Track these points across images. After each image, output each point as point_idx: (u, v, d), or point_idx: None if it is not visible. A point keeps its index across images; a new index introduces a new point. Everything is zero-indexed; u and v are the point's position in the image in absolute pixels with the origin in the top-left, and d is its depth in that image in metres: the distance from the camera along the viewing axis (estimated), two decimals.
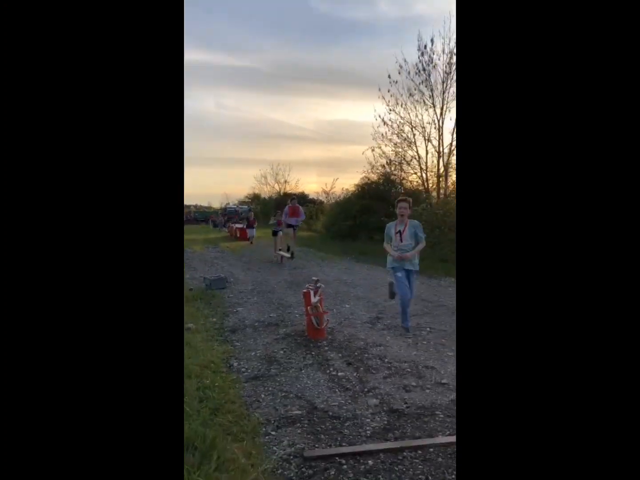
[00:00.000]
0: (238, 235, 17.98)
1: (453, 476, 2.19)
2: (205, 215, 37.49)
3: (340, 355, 3.96)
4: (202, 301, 6.20)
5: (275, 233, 11.30)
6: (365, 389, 3.22)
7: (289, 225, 10.87)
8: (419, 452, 2.40)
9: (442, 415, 2.81)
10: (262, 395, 3.14)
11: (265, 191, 37.61)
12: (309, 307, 4.44)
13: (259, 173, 55.33)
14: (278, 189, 36.01)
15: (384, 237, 4.82)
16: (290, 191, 31.82)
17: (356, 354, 3.99)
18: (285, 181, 36.42)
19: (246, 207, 28.58)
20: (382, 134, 15.03)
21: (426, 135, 14.46)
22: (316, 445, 2.48)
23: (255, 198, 37.49)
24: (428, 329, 4.83)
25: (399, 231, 4.64)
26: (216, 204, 47.32)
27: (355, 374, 3.51)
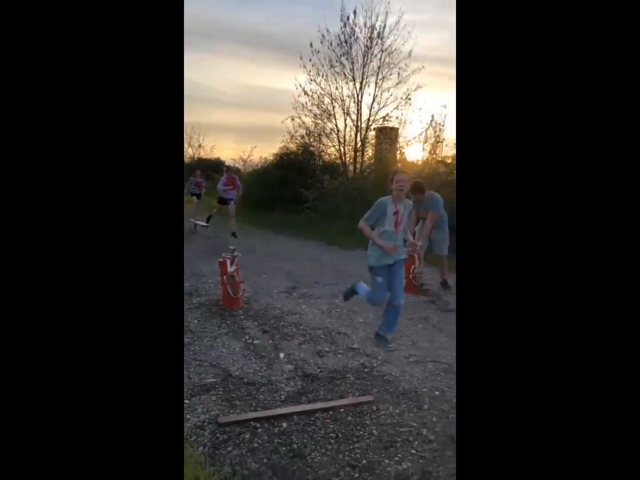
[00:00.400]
0: None
1: (361, 432, 2.35)
2: None
3: (256, 323, 3.99)
4: None
5: (194, 195, 10.86)
6: (281, 356, 3.30)
7: (225, 201, 9.50)
8: (331, 412, 2.53)
9: (352, 378, 2.98)
10: None
11: None
12: (225, 277, 4.38)
13: None
14: (192, 154, 34.33)
15: (361, 215, 3.44)
16: (205, 157, 30.53)
17: (272, 322, 4.05)
18: (200, 145, 34.79)
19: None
20: (303, 104, 14.89)
21: (345, 108, 14.61)
22: (231, 412, 2.50)
23: None
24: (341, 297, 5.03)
25: (396, 212, 3.31)
26: None
27: (270, 342, 3.57)
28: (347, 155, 15.09)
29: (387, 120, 14.01)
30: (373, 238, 3.33)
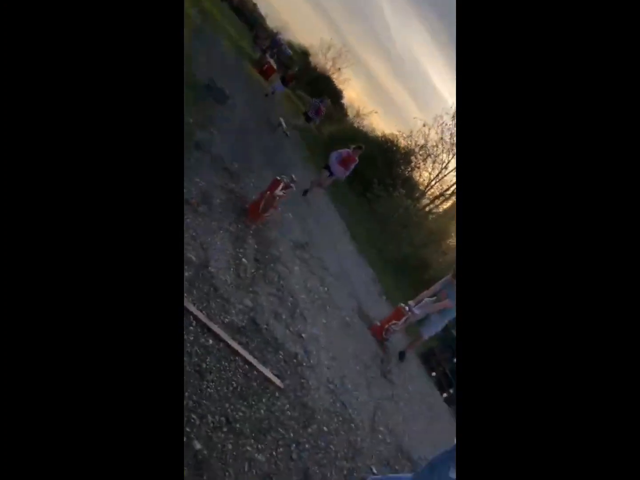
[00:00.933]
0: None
1: (250, 397, 2.50)
2: None
3: (255, 247, 4.13)
4: None
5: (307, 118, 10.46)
6: None
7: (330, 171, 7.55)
8: (246, 366, 2.68)
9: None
10: None
11: None
12: (269, 192, 4.47)
13: None
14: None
15: None
16: None
17: (267, 257, 4.18)
18: None
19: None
20: None
21: None
22: (186, 295, 2.65)
23: None
24: None
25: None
26: None
27: (252, 270, 3.71)
28: None
29: None
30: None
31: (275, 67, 16.23)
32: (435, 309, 5.22)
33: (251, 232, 4.32)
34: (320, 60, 36.13)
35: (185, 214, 3.33)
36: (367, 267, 8.57)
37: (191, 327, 2.51)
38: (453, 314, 5.31)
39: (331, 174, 7.63)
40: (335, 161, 7.39)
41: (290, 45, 33.98)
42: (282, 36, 33.15)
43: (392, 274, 9.74)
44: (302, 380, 3.13)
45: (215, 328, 2.65)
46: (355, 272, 7.34)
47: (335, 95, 31.67)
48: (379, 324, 5.57)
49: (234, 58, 13.60)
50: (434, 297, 5.42)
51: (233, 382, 2.48)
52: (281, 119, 10.52)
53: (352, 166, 7.49)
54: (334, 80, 34.97)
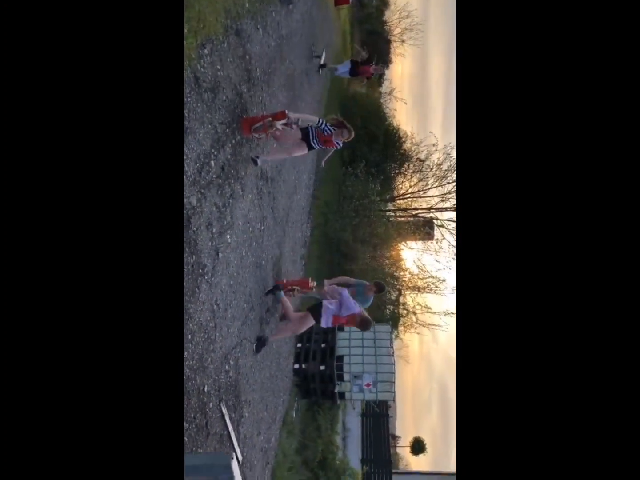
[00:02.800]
0: None
1: None
2: None
3: (247, 147, 4.20)
4: None
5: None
6: None
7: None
8: None
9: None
10: None
11: None
12: (272, 119, 4.48)
13: None
14: None
15: None
16: None
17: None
18: None
19: None
20: None
21: None
22: None
23: None
24: None
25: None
26: None
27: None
28: None
29: None
30: None
31: (349, 1, 15.47)
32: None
33: (233, 141, 4.37)
34: (394, 20, 34.67)
35: (189, 90, 3.33)
36: (307, 229, 8.86)
37: None
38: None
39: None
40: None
41: None
42: None
43: (323, 247, 10.13)
44: (195, 290, 3.37)
45: None
46: (295, 227, 7.59)
47: (383, 61, 30.76)
48: (284, 281, 5.91)
49: None
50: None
51: None
52: (324, 54, 10.21)
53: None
54: (392, 45, 33.83)
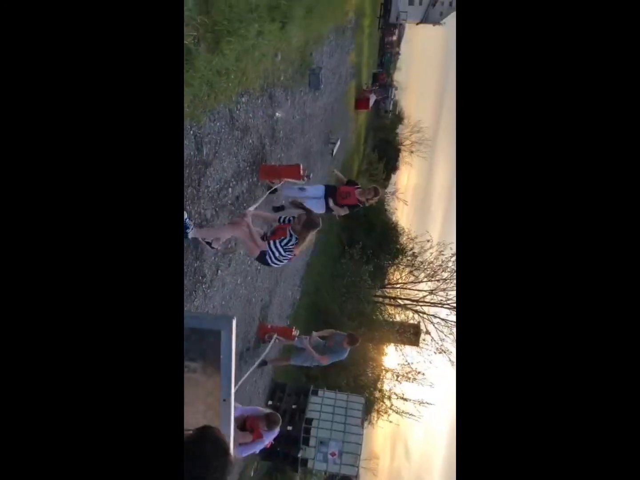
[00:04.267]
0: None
1: None
2: None
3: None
4: None
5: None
6: None
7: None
8: None
9: None
10: None
11: None
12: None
13: None
14: None
15: None
16: None
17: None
18: None
19: None
20: None
21: None
22: None
23: None
24: None
25: None
26: None
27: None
28: None
29: None
30: None
31: (369, 106, 17.30)
32: (310, 351, 5.72)
33: (250, 180, 4.89)
34: (405, 132, 37.86)
35: (224, 124, 3.90)
36: (297, 293, 9.13)
37: None
38: (320, 364, 5.86)
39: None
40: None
41: (395, 104, 35.70)
42: (396, 92, 34.90)
43: (309, 314, 10.29)
44: (192, 293, 3.63)
45: None
46: (286, 285, 7.89)
47: (392, 166, 33.09)
48: (269, 326, 6.09)
49: (349, 69, 14.55)
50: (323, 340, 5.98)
51: None
52: (338, 143, 11.28)
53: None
54: (400, 154, 36.60)
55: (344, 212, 5.05)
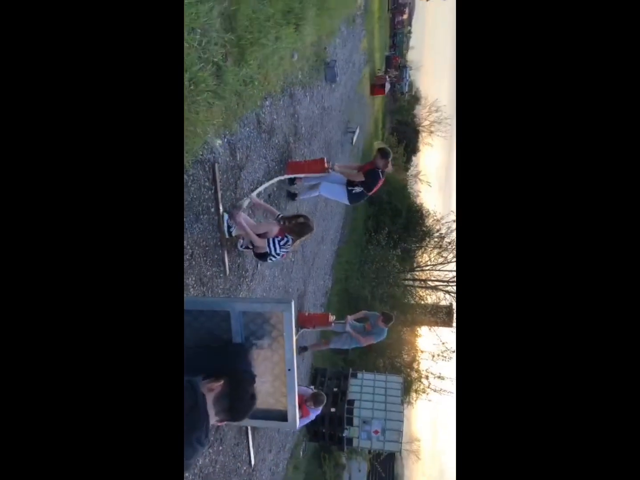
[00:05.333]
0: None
1: None
2: None
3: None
4: None
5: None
6: None
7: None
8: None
9: None
10: None
11: None
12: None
13: None
14: None
15: None
16: None
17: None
18: None
19: None
20: None
21: None
22: None
23: None
24: None
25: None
26: None
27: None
28: None
29: None
30: None
31: (385, 92, 17.31)
32: (353, 334, 6.06)
33: (279, 176, 5.18)
34: (423, 113, 37.43)
35: (252, 128, 4.18)
36: (329, 281, 9.42)
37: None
38: (359, 345, 6.17)
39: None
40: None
41: (410, 84, 35.28)
42: (411, 72, 34.48)
43: (342, 300, 10.59)
44: (238, 287, 3.96)
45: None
46: (318, 274, 8.18)
47: (412, 148, 32.84)
48: (306, 314, 6.41)
49: (362, 56, 14.60)
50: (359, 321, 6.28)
51: None
52: (357, 131, 11.43)
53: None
54: (420, 135, 36.24)
55: (359, 177, 5.04)
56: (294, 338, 1.68)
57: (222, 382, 1.49)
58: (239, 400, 1.51)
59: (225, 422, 1.57)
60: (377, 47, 20.16)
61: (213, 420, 1.46)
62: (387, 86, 18.85)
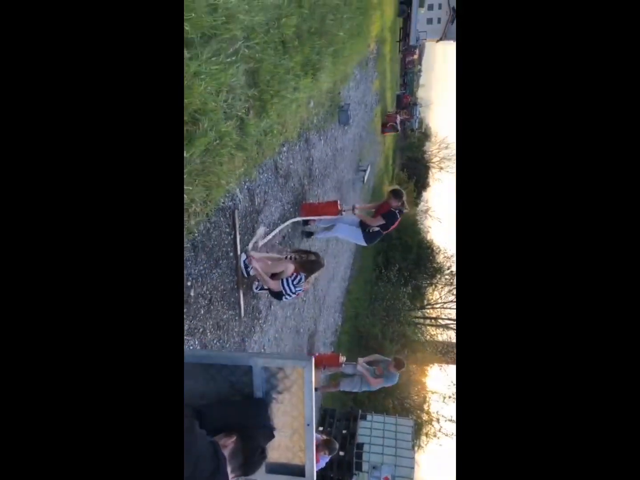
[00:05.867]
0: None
1: None
2: None
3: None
4: None
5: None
6: None
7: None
8: None
9: None
10: None
11: None
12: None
13: None
14: None
15: None
16: None
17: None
18: None
19: None
20: None
21: None
22: None
23: None
24: None
25: None
26: None
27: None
28: None
29: None
30: None
31: (396, 130, 17.73)
32: (364, 375, 6.00)
33: (296, 218, 5.30)
34: (433, 149, 38.03)
35: (270, 174, 4.33)
36: (339, 319, 9.41)
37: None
38: (369, 389, 6.12)
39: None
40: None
41: (420, 121, 36.04)
42: (421, 109, 35.24)
43: (352, 339, 10.52)
44: (252, 329, 4.01)
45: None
46: (329, 312, 8.20)
47: (422, 184, 33.18)
48: (317, 355, 6.39)
49: (374, 97, 15.06)
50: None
51: None
52: (368, 169, 11.67)
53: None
54: (430, 171, 36.69)
55: (378, 221, 5.11)
56: (313, 393, 1.73)
57: (234, 438, 1.53)
58: (251, 456, 1.55)
59: (240, 477, 1.61)
60: (388, 86, 20.77)
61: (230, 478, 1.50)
62: (398, 124, 19.30)
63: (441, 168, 36.90)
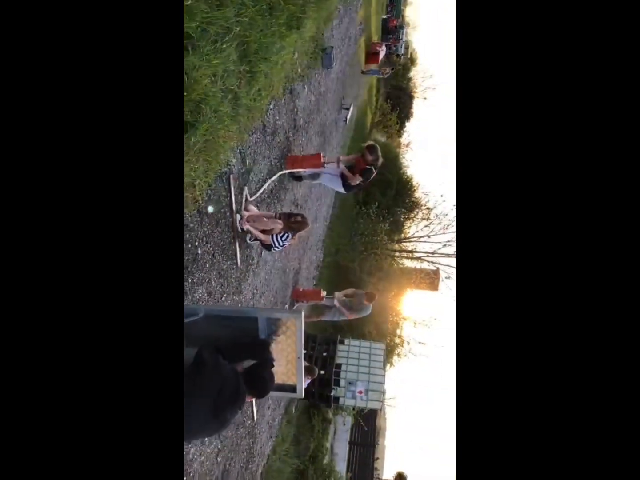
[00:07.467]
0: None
1: None
2: None
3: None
4: None
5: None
6: None
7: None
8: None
9: None
10: None
11: None
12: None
13: None
14: None
15: None
16: None
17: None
18: None
19: None
20: None
21: None
22: None
23: None
24: None
25: None
26: None
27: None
28: None
29: None
30: None
31: (380, 59, 17.43)
32: (340, 309, 6.81)
33: (282, 171, 5.75)
34: (417, 77, 37.21)
35: (259, 134, 4.72)
36: (320, 255, 10.15)
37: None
38: (346, 318, 7.00)
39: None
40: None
41: (407, 45, 34.78)
42: (407, 32, 33.81)
43: (332, 272, 11.37)
44: (246, 274, 4.63)
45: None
46: (312, 251, 8.89)
47: (406, 111, 32.86)
48: (301, 289, 7.16)
49: (358, 28, 14.67)
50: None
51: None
52: (351, 108, 11.81)
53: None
54: (412, 99, 36.19)
55: (357, 179, 5.65)
56: (302, 333, 2.39)
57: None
58: (264, 380, 2.23)
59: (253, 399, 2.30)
60: (374, 11, 19.98)
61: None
62: (382, 53, 18.74)
63: (425, 98, 36.40)
